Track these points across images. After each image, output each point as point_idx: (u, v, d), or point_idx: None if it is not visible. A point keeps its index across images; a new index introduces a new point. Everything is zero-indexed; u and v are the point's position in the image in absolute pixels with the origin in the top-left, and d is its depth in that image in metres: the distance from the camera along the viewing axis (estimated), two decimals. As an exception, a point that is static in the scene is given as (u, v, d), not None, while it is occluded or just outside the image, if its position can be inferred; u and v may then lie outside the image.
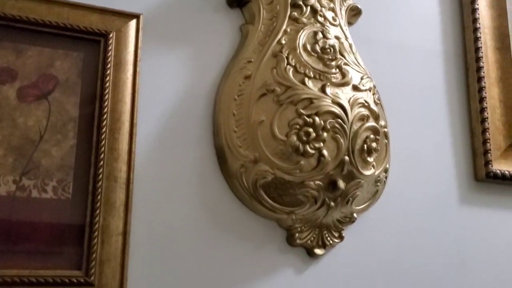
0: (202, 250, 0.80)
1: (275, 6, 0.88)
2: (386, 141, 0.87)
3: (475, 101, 1.06)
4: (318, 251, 0.84)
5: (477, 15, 1.10)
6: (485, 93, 1.06)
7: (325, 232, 0.85)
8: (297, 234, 0.83)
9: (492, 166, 1.02)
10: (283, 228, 0.84)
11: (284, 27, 0.85)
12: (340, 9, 0.93)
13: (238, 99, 0.82)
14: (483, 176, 1.02)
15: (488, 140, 1.03)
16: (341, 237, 0.86)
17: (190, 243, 0.80)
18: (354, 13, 0.97)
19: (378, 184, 0.87)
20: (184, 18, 0.88)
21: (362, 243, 0.89)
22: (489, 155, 1.03)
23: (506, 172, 1.03)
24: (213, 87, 0.86)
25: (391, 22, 1.05)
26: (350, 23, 0.98)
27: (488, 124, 1.04)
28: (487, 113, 1.05)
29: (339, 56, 0.84)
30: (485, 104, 1.05)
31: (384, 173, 0.88)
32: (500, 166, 1.05)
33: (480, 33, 1.09)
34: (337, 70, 0.82)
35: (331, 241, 0.86)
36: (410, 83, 1.03)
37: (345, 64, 0.84)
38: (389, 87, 1.00)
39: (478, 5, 1.10)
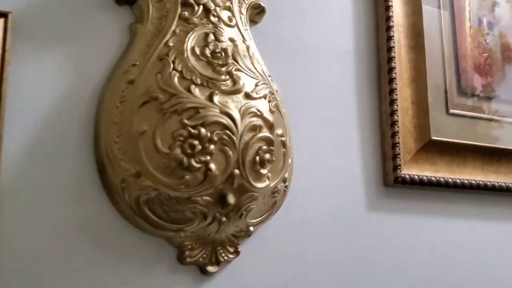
0: (82, 274, 0.73)
1: (164, 4, 0.81)
2: (284, 150, 0.82)
3: (385, 103, 1.03)
4: (211, 268, 0.79)
5: (391, 13, 1.06)
6: (396, 95, 1.03)
7: (219, 248, 0.80)
8: (187, 252, 0.78)
9: (401, 171, 1.00)
10: (174, 246, 0.78)
11: (173, 27, 0.78)
12: (240, 7, 0.87)
13: (121, 106, 0.75)
14: (391, 182, 1.00)
15: (398, 144, 1.01)
16: (237, 252, 0.82)
17: (68, 267, 0.72)
18: (258, 11, 0.91)
19: (276, 195, 0.82)
20: (64, 17, 0.79)
21: (260, 257, 0.85)
22: (398, 159, 1.00)
23: (416, 177, 1.01)
24: (96, 92, 0.78)
25: (300, 20, 0.99)
26: (254, 22, 0.93)
27: (398, 127, 1.02)
28: (398, 116, 1.02)
29: (231, 61, 0.78)
30: (395, 106, 1.02)
31: (282, 183, 0.83)
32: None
33: (393, 31, 1.06)
34: (228, 76, 0.76)
35: (226, 257, 0.81)
36: (318, 85, 0.99)
37: (237, 69, 0.78)
38: (294, 89, 0.96)
39: (392, 2, 1.07)
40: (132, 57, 0.77)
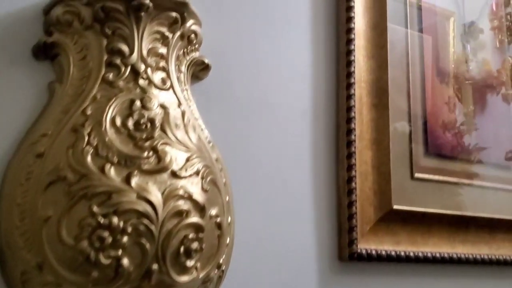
0: None
1: (87, 63, 0.70)
2: (219, 232, 0.72)
3: (343, 168, 0.94)
4: None
5: (353, 69, 0.97)
6: (355, 159, 0.94)
7: None
8: None
9: (357, 246, 0.91)
10: None
11: (94, 92, 0.68)
12: (179, 65, 0.77)
13: (26, 184, 0.64)
14: (346, 257, 0.90)
15: (355, 215, 0.92)
16: None
17: None
18: (201, 67, 0.82)
19: (209, 284, 0.72)
20: (-32, 73, 0.69)
21: None
22: (355, 232, 0.91)
23: (373, 252, 0.92)
24: (2, 164, 0.68)
25: (252, 75, 0.90)
26: (199, 78, 0.84)
27: (356, 195, 0.93)
28: (356, 183, 0.93)
29: (158, 133, 0.68)
30: (353, 172, 0.93)
31: (216, 270, 0.73)
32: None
33: (355, 89, 0.97)
34: (152, 152, 0.66)
35: None
36: (269, 147, 0.89)
37: (165, 143, 0.68)
38: (242, 152, 0.86)
39: (355, 56, 0.98)
40: (43, 125, 0.67)
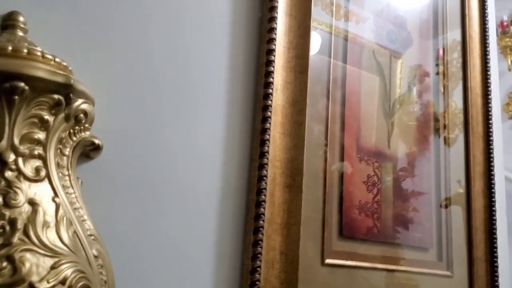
0: None
1: None
2: None
3: (248, 257, 0.88)
4: None
5: (266, 148, 0.92)
6: (261, 247, 0.88)
7: None
8: None
9: None
10: None
11: (-51, 185, 0.60)
12: (61, 149, 0.69)
13: None
14: None
15: (255, 313, 0.86)
16: None
17: None
18: (92, 148, 0.75)
19: None
20: None
21: None
22: (254, 330, 0.85)
23: None
24: None
25: (154, 154, 0.83)
26: (90, 157, 0.76)
27: None
28: (260, 274, 0.87)
29: (18, 238, 0.60)
30: (258, 262, 0.87)
31: None
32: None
33: (267, 170, 0.92)
34: (6, 262, 0.58)
35: None
36: (167, 235, 0.82)
37: (25, 250, 0.60)
38: (134, 241, 0.79)
39: (269, 134, 0.93)
40: None
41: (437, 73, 1.29)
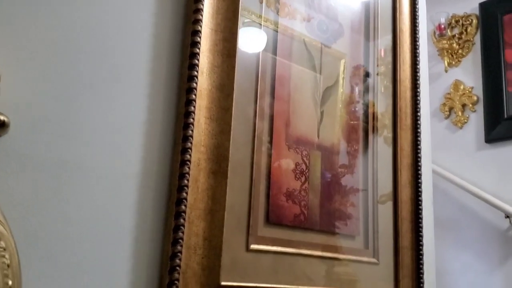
0: None
1: None
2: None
3: (168, 243, 0.86)
4: None
5: (190, 132, 0.90)
6: (183, 232, 0.87)
7: None
8: None
9: (174, 332, 0.83)
10: None
11: None
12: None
13: None
14: None
15: (173, 299, 0.84)
16: None
17: None
18: (-2, 124, 0.70)
19: None
20: None
21: None
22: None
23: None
24: None
25: (67, 132, 0.80)
26: (-3, 135, 0.72)
27: (179, 274, 0.85)
28: (180, 260, 0.85)
29: None
30: (179, 247, 0.86)
31: None
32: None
33: (191, 154, 0.90)
34: None
35: None
36: (83, 220, 0.79)
37: None
38: (44, 219, 0.75)
39: (193, 118, 0.91)
40: None
41: (378, 74, 1.32)
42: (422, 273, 1.27)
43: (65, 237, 0.78)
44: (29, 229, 0.74)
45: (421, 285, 1.25)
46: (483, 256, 2.41)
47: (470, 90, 2.81)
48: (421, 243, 1.28)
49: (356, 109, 1.25)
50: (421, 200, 1.31)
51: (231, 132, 0.96)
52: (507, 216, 2.37)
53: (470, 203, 2.51)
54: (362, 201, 1.20)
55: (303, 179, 1.09)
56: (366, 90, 1.29)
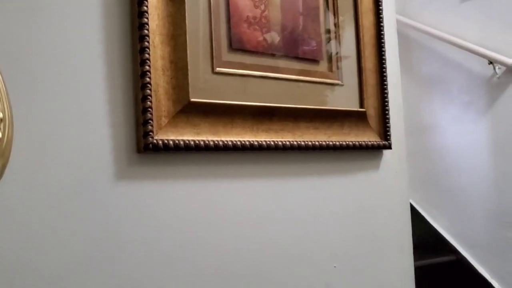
0: None
1: None
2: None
3: (136, 63, 0.95)
4: None
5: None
6: (149, 54, 0.95)
7: None
8: None
9: (153, 137, 0.94)
10: None
11: None
12: None
13: None
14: (142, 148, 0.94)
15: (150, 109, 0.94)
16: None
17: None
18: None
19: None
20: None
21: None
22: (150, 125, 0.94)
23: (171, 142, 0.96)
24: None
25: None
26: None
27: (150, 90, 0.94)
28: (150, 78, 0.95)
29: None
30: (147, 67, 0.94)
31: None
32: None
33: (149, -19, 0.96)
34: None
35: None
36: (54, 46, 0.87)
37: None
38: (26, 47, 0.83)
39: None
40: None
41: None
42: (387, 93, 1.36)
43: (37, 65, 0.86)
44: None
45: (386, 103, 1.36)
46: (469, 106, 2.47)
47: None
48: (384, 65, 1.37)
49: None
50: (382, 26, 1.37)
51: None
52: (490, 62, 2.38)
53: (454, 56, 2.53)
54: (324, 26, 1.26)
55: (262, 7, 1.15)
56: None
